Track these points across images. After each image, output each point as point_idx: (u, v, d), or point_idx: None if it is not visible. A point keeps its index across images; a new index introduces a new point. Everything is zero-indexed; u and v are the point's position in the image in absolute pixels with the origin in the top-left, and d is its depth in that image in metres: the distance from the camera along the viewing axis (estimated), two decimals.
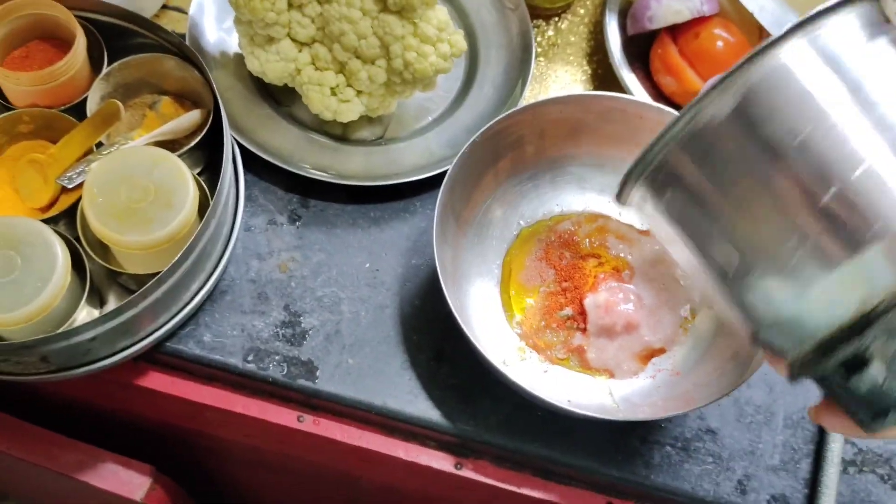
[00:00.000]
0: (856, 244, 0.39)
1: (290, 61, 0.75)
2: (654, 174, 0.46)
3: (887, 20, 0.44)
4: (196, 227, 0.66)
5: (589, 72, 0.89)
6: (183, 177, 0.66)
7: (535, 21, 0.89)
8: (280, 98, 0.83)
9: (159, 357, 0.72)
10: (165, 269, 0.63)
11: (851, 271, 0.39)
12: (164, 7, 0.87)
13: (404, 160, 0.80)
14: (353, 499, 0.91)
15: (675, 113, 0.74)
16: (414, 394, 0.71)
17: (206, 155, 0.76)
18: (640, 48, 0.86)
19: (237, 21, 0.76)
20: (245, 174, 0.75)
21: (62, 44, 0.75)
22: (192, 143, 0.72)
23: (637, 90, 0.83)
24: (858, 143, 0.40)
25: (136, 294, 0.63)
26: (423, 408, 0.71)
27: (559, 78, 0.89)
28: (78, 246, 0.67)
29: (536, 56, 0.84)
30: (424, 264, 0.76)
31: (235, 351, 0.72)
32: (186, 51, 0.73)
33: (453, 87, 0.85)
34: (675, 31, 0.83)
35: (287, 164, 0.77)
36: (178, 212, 0.65)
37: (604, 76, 0.88)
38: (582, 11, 0.92)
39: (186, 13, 0.83)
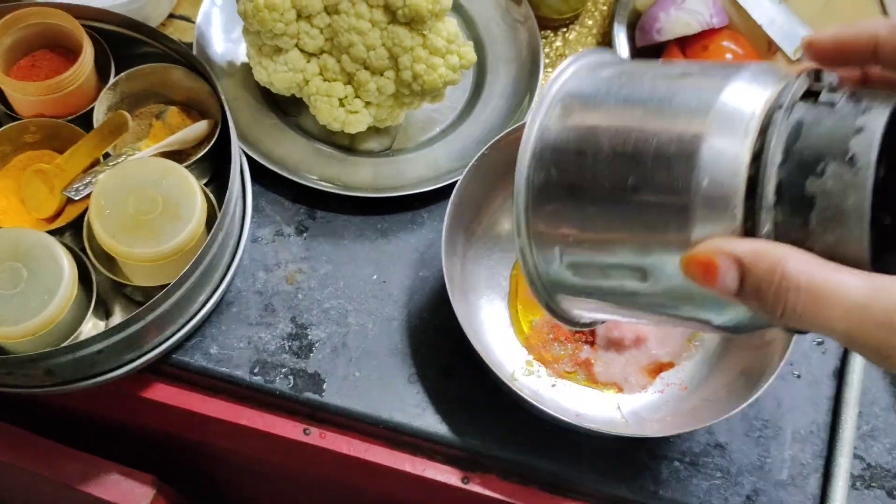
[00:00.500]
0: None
1: (299, 72, 0.75)
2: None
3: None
4: (204, 238, 0.66)
5: None
6: (191, 188, 0.66)
7: (543, 32, 0.89)
8: (287, 108, 0.82)
9: (165, 369, 0.72)
10: (173, 282, 0.63)
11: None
12: (171, 16, 0.87)
13: (412, 171, 0.80)
14: None
15: None
16: (421, 407, 0.71)
17: (212, 165, 0.75)
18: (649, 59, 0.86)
19: (245, 31, 0.76)
20: (252, 185, 0.75)
21: (68, 53, 0.75)
22: (200, 154, 0.71)
23: None
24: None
25: (143, 307, 0.63)
26: (430, 421, 0.70)
27: None
28: (84, 258, 0.67)
29: (545, 67, 0.84)
30: (432, 276, 0.76)
31: (242, 363, 0.71)
32: (194, 61, 0.73)
33: (461, 99, 0.85)
34: (684, 43, 0.83)
35: (294, 175, 0.76)
36: (187, 224, 0.65)
37: None
38: (590, 23, 0.92)
39: (193, 22, 0.83)
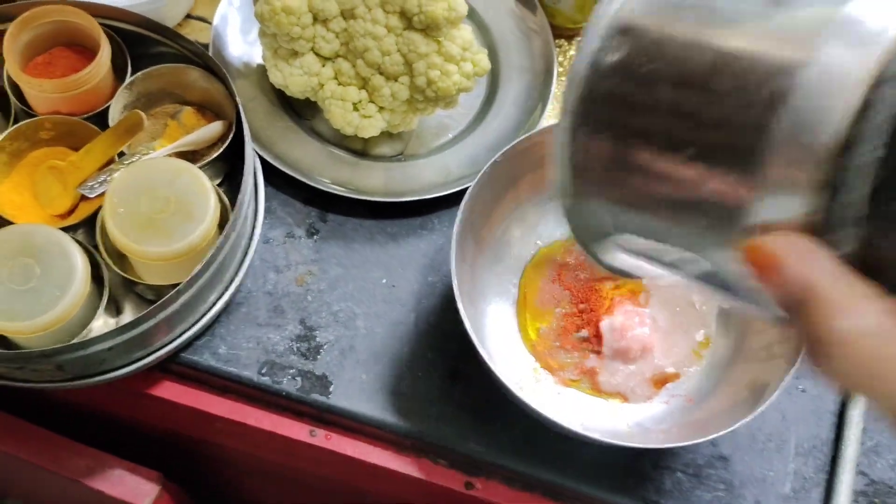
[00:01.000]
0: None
1: (314, 75, 0.75)
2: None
3: None
4: (216, 238, 0.66)
5: None
6: (204, 189, 0.66)
7: (557, 41, 0.89)
8: (302, 111, 0.83)
9: (173, 367, 0.72)
10: (184, 281, 0.63)
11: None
12: (189, 17, 0.87)
13: (423, 177, 0.80)
14: None
15: None
16: (427, 412, 0.71)
17: (226, 166, 0.76)
18: None
19: (261, 33, 0.76)
20: (265, 186, 0.75)
21: (85, 51, 0.76)
22: (215, 155, 0.72)
23: None
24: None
25: (154, 306, 0.63)
26: (435, 426, 0.71)
27: None
28: (96, 255, 0.68)
29: (558, 76, 0.84)
30: (440, 282, 0.76)
31: (250, 363, 0.72)
32: (210, 62, 0.74)
33: (474, 106, 0.85)
34: None
35: (306, 177, 0.77)
36: (199, 224, 0.65)
37: None
38: None
39: (210, 23, 0.83)
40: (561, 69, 0.90)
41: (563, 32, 0.91)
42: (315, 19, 0.73)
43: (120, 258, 0.69)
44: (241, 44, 0.84)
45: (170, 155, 0.72)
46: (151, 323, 0.64)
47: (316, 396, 0.71)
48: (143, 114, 0.70)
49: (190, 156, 0.73)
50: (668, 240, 0.32)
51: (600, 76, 0.32)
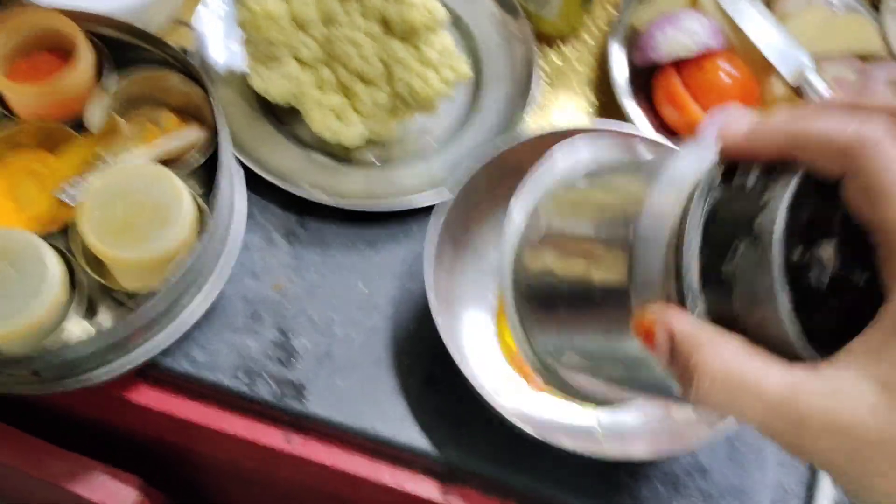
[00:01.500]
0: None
1: (294, 81, 0.75)
2: None
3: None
4: (193, 244, 0.66)
5: (594, 100, 0.89)
6: (178, 193, 0.66)
7: (540, 48, 0.89)
8: (283, 117, 0.83)
9: (149, 372, 0.72)
10: (161, 286, 0.63)
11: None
12: (175, 22, 0.87)
13: (404, 182, 0.80)
14: None
15: (670, 144, 0.74)
16: (403, 419, 0.71)
17: (213, 174, 0.76)
18: (646, 79, 0.86)
19: (244, 39, 0.76)
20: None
21: (67, 56, 0.76)
22: (200, 162, 0.72)
23: (640, 120, 0.83)
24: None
25: (132, 314, 0.63)
26: (411, 433, 0.71)
27: (564, 106, 0.89)
28: (72, 259, 0.68)
29: (545, 81, 0.84)
30: (419, 289, 0.76)
31: (226, 369, 0.72)
32: (189, 67, 0.74)
33: (456, 112, 0.85)
34: (680, 63, 0.83)
35: (285, 183, 0.77)
36: (173, 228, 0.65)
37: (608, 105, 0.88)
38: (589, 40, 0.92)
39: (195, 29, 0.83)
40: (545, 77, 0.89)
41: (547, 39, 0.91)
42: (296, 26, 0.73)
43: (98, 263, 0.69)
44: (224, 50, 0.84)
45: (152, 161, 0.72)
46: (128, 329, 0.64)
47: (292, 403, 0.71)
48: (119, 118, 0.70)
49: (174, 164, 0.73)
50: (594, 347, 0.44)
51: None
